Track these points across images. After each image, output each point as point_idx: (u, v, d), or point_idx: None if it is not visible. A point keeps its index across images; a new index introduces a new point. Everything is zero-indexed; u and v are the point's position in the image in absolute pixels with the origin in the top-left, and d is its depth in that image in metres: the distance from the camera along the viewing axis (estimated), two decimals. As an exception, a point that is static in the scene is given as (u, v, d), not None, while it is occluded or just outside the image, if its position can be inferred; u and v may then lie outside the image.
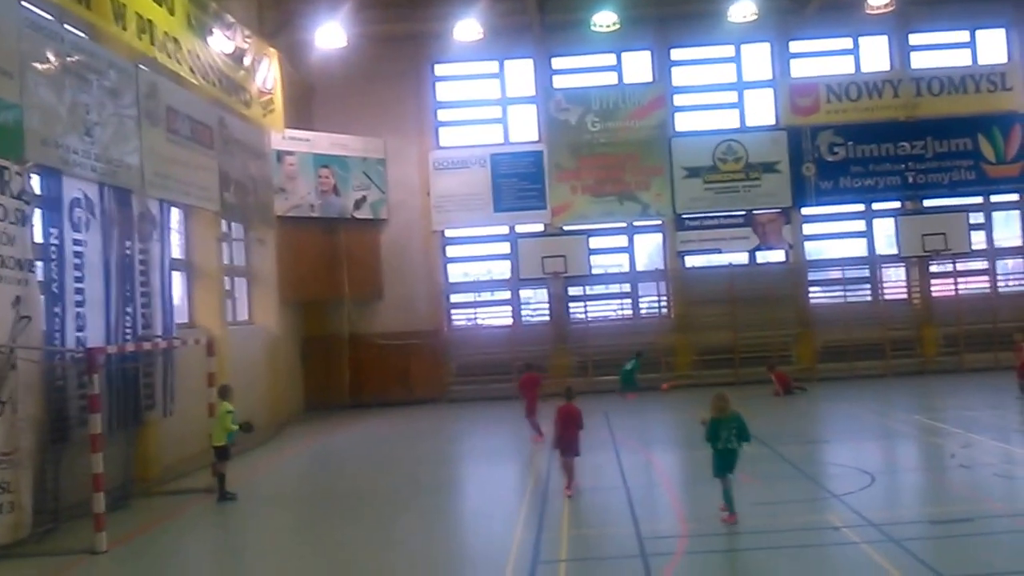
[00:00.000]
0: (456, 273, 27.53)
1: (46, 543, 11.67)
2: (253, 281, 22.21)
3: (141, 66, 15.70)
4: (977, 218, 26.79)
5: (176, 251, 17.73)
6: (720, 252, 26.87)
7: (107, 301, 14.01)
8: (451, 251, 27.49)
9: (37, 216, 12.57)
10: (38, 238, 12.64)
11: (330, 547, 11.23)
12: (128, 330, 14.61)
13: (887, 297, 26.97)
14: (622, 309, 27.45)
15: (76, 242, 13.33)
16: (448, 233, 27.24)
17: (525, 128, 27.26)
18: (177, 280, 17.61)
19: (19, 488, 11.51)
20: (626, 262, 27.35)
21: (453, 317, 27.35)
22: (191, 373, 15.99)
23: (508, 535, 10.92)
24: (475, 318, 27.68)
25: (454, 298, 27.39)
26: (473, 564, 10.32)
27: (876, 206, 27.08)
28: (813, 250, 27.27)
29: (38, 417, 12.23)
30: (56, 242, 12.94)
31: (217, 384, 15.04)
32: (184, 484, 15.21)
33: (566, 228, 26.73)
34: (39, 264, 12.52)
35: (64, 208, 13.10)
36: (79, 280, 13.32)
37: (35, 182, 12.58)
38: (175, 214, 17.67)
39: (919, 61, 26.98)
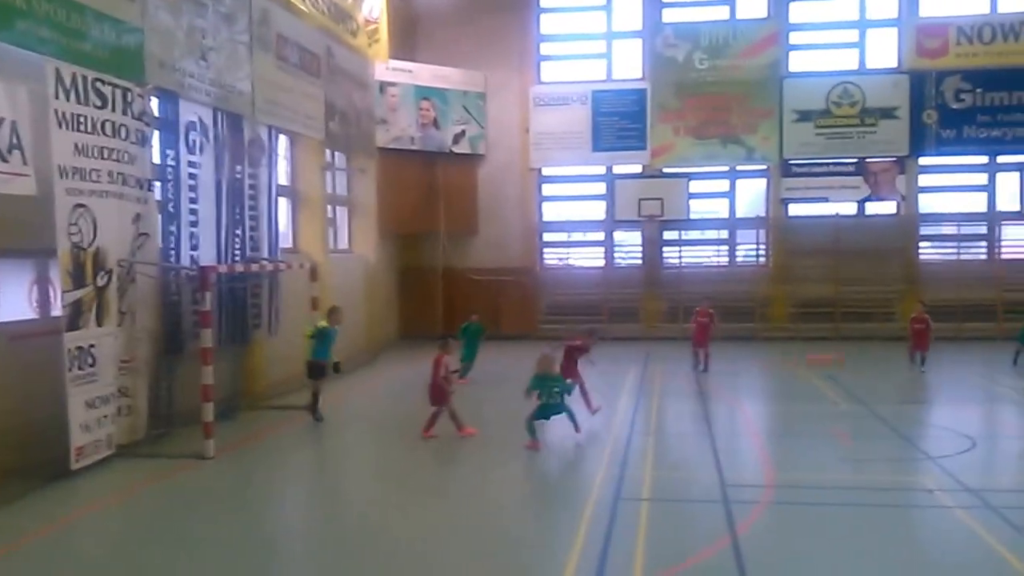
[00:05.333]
0: (551, 212, 27.47)
1: (159, 446, 12.43)
2: (354, 211, 22.67)
3: (254, -8, 15.99)
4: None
5: (283, 178, 18.22)
6: (827, 201, 25.98)
7: (218, 223, 14.57)
8: (547, 190, 27.39)
9: (155, 138, 13.07)
10: (156, 159, 13.16)
11: (415, 471, 11.63)
12: (237, 251, 15.19)
13: (1004, 257, 25.69)
14: (718, 256, 26.99)
15: (191, 164, 13.85)
16: (545, 171, 27.13)
17: (629, 65, 26.66)
18: (283, 206, 18.13)
19: (136, 393, 12.32)
20: (726, 208, 26.77)
21: (546, 256, 27.39)
22: (295, 297, 16.55)
23: (593, 471, 11.09)
24: (567, 258, 27.66)
25: (547, 237, 27.37)
26: (555, 497, 10.52)
27: (1001, 159, 25.57)
28: (927, 203, 26.07)
29: (154, 329, 12.94)
30: (172, 164, 13.47)
31: (323, 307, 15.50)
32: (287, 400, 15.89)
33: (666, 171, 26.27)
34: (157, 184, 13.06)
35: (180, 131, 13.59)
36: (193, 201, 13.87)
37: (154, 104, 13.06)
38: (282, 141, 18.12)
39: (1061, 2, 25.01)
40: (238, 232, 15.26)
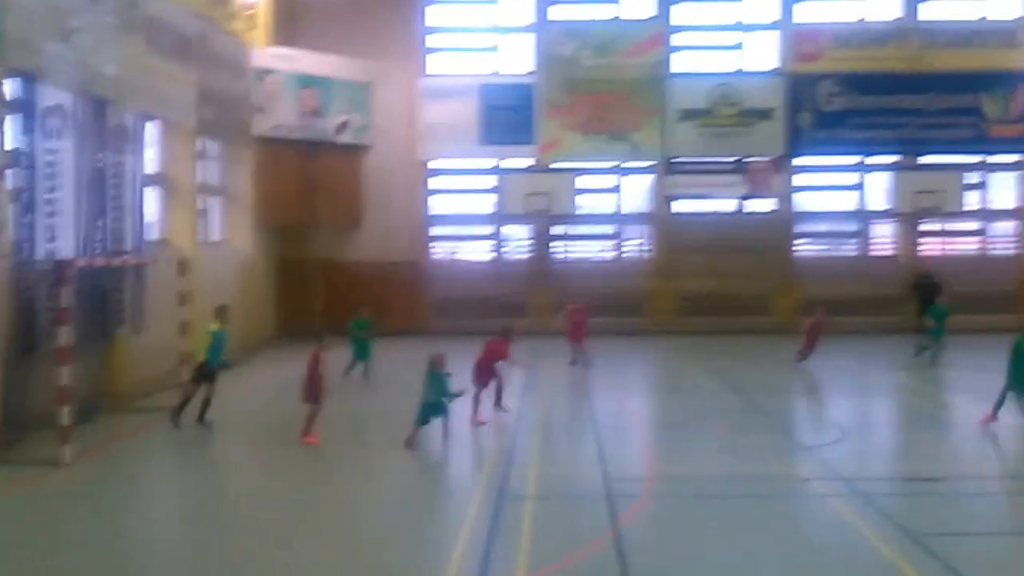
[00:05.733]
0: (439, 205, 27.13)
1: (12, 452, 11.56)
2: (229, 201, 21.76)
3: (122, -30, 15.05)
4: (973, 178, 26.48)
5: (151, 166, 17.25)
6: (709, 198, 26.61)
7: (78, 213, 13.64)
8: (434, 183, 27.03)
9: (9, 122, 12.15)
10: (9, 145, 12.21)
11: (291, 474, 11.13)
12: (99, 244, 14.26)
13: (874, 253, 26.86)
14: (605, 251, 27.27)
15: (49, 151, 12.91)
16: (433, 164, 26.77)
17: (518, 59, 26.61)
18: (150, 196, 17.17)
19: (-17, 397, 11.35)
20: (612, 204, 27.06)
21: (433, 250, 27.05)
22: (163, 291, 15.70)
23: (478, 469, 10.88)
24: (456, 252, 27.39)
25: (435, 231, 27.04)
26: (440, 496, 10.25)
27: (871, 160, 26.73)
28: (803, 202, 26.98)
29: (6, 327, 12.00)
30: (28, 150, 12.53)
31: (192, 303, 14.74)
32: (152, 402, 15.03)
33: (553, 165, 26.34)
34: (9, 171, 12.11)
35: (38, 115, 12.66)
36: (51, 190, 12.94)
37: (9, 87, 12.14)
38: (151, 128, 17.16)
39: (928, 12, 26.22)
40: (100, 223, 14.32)
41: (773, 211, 26.64)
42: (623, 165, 26.76)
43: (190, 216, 18.57)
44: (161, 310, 15.66)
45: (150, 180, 17.02)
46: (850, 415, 14.96)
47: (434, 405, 12.03)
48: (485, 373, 13.84)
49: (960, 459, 11.75)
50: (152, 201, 17.42)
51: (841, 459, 11.29)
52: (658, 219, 26.53)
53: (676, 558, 7.93)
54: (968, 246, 26.98)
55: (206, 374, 13.42)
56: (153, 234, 17.25)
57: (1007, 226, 26.79)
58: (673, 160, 26.28)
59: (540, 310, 25.15)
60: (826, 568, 7.78)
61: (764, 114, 26.10)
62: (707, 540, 8.41)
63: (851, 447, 12.30)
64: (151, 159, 17.32)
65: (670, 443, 12.70)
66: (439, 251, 27.12)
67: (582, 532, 8.62)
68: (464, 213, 27.29)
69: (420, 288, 26.04)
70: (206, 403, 13.47)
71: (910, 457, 12.18)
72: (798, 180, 26.76)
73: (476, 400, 13.53)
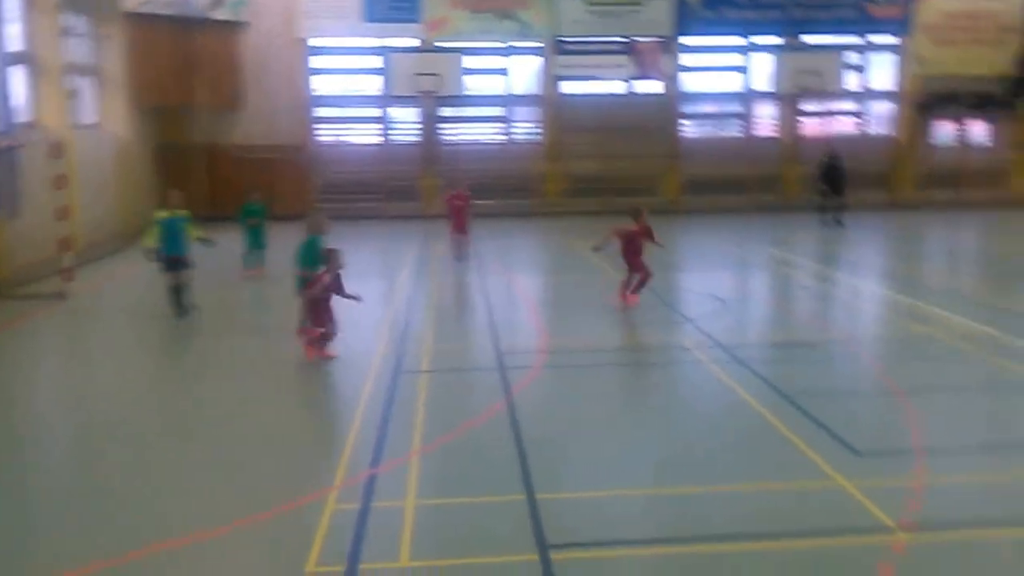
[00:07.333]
0: (324, 86, 26.25)
1: None
2: (101, 82, 20.52)
3: None
4: (853, 58, 27.24)
5: (13, 44, 16.00)
6: (597, 79, 26.65)
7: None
8: (317, 62, 26.07)
9: None
10: None
11: (177, 363, 11.04)
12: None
13: (758, 134, 27.64)
14: (495, 134, 27.12)
15: None
16: (314, 42, 25.74)
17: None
18: (16, 76, 16.00)
19: None
20: (501, 85, 26.78)
21: (319, 133, 26.32)
22: (36, 176, 14.89)
23: (373, 348, 11.02)
24: (342, 135, 26.74)
25: (320, 112, 26.25)
26: (336, 375, 10.38)
27: (756, 40, 27.09)
28: (689, 82, 27.32)
29: None
30: None
31: (67, 186, 14.00)
32: (38, 288, 14.47)
33: (441, 45, 25.73)
34: None
35: None
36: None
37: None
38: (11, 2, 15.85)
39: None
40: (-42, 102, 13.35)
41: (660, 92, 26.93)
42: (512, 45, 26.39)
43: (60, 97, 17.47)
44: (36, 195, 14.89)
45: (13, 58, 15.83)
46: (730, 288, 15.70)
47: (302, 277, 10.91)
48: (636, 260, 13.23)
49: (830, 325, 12.63)
50: (18, 81, 16.27)
51: (720, 328, 11.93)
52: (547, 101, 26.47)
53: (565, 424, 8.35)
54: (846, 127, 28.03)
55: (169, 262, 12.71)
56: (21, 116, 16.19)
57: (883, 107, 27.94)
58: (562, 40, 26.06)
59: (429, 193, 25.05)
60: (706, 423, 8.36)
61: (653, -7, 25.99)
62: (594, 405, 8.86)
63: (730, 317, 13.00)
64: (13, 36, 16.07)
65: (561, 318, 13.12)
66: (326, 134, 26.43)
67: (476, 402, 8.95)
68: (349, 94, 26.51)
69: (307, 172, 25.45)
70: (175, 291, 12.75)
71: (784, 325, 12.98)
72: (685, 60, 27.00)
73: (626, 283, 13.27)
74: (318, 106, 26.09)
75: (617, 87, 26.86)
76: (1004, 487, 6.83)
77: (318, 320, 10.34)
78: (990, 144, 27.98)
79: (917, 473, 6.94)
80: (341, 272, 10.31)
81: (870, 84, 27.79)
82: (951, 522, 6.17)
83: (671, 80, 26.78)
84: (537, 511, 6.32)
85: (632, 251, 13.25)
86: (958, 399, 9.02)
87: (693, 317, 12.69)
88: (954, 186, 27.36)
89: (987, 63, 26.95)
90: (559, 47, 26.12)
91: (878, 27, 27.04)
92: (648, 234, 13.38)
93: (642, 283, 13.37)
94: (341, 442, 7.88)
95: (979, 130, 28.07)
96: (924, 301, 13.50)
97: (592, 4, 25.89)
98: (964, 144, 27.87)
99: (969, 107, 27.24)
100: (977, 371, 10.03)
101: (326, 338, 10.48)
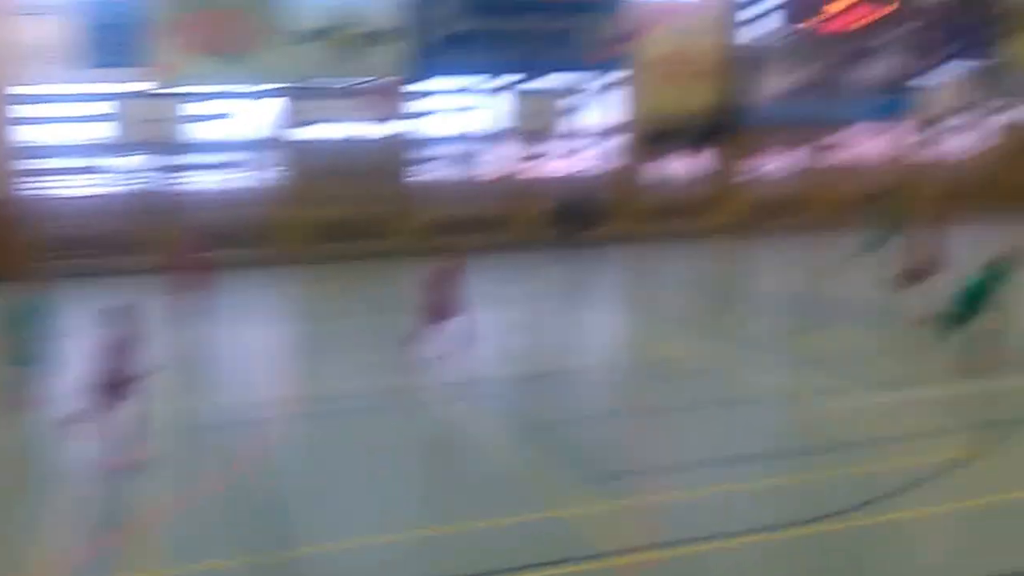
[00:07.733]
0: (34, 136, 24.08)
1: None
2: None
3: None
4: (570, 101, 28.57)
5: None
6: (332, 122, 26.51)
7: None
8: (26, 111, 23.90)
9: None
10: None
11: None
12: None
13: (488, 175, 28.48)
14: (229, 180, 26.17)
15: None
16: (21, 91, 23.62)
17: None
18: None
19: None
20: (235, 130, 25.93)
21: (33, 185, 24.09)
22: None
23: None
24: (60, 187, 24.66)
25: (32, 164, 24.05)
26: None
27: (488, 83, 27.70)
28: (423, 125, 27.62)
29: None
30: None
31: None
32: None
33: (171, 91, 24.54)
34: None
35: None
36: None
37: None
38: None
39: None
40: None
41: (394, 135, 27.13)
42: (247, 89, 25.70)
43: None
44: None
45: None
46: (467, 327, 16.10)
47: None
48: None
49: (569, 356, 13.34)
50: None
51: (463, 366, 12.23)
52: (283, 145, 25.98)
53: (314, 473, 8.22)
54: (577, 164, 29.27)
55: None
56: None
57: (611, 143, 29.39)
58: (295, 84, 25.70)
59: (159, 246, 23.64)
60: (444, 458, 8.51)
61: (386, 36, 26.19)
62: (345, 451, 8.81)
63: (478, 355, 13.35)
64: None
65: (312, 365, 12.90)
66: (39, 185, 24.25)
67: (221, 461, 8.60)
68: (69, 144, 24.58)
69: (14, 228, 23.19)
70: None
71: (527, 359, 13.50)
72: (421, 104, 27.42)
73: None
74: (29, 157, 23.91)
75: (352, 129, 26.84)
76: (742, 497, 7.31)
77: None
78: (705, 176, 30.32)
79: (656, 491, 7.34)
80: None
81: (596, 121, 29.32)
82: (689, 538, 6.46)
83: (406, 122, 27.11)
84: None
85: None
86: (694, 416, 9.78)
87: (435, 357, 12.91)
88: (676, 216, 29.47)
89: (700, 99, 29.22)
90: (293, 90, 25.75)
91: (605, 66, 28.54)
92: None
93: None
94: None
95: (698, 163, 30.42)
96: (658, 328, 14.55)
97: (325, 48, 25.77)
98: (683, 176, 30.21)
99: (689, 141, 29.54)
100: (713, 388, 10.90)
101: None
